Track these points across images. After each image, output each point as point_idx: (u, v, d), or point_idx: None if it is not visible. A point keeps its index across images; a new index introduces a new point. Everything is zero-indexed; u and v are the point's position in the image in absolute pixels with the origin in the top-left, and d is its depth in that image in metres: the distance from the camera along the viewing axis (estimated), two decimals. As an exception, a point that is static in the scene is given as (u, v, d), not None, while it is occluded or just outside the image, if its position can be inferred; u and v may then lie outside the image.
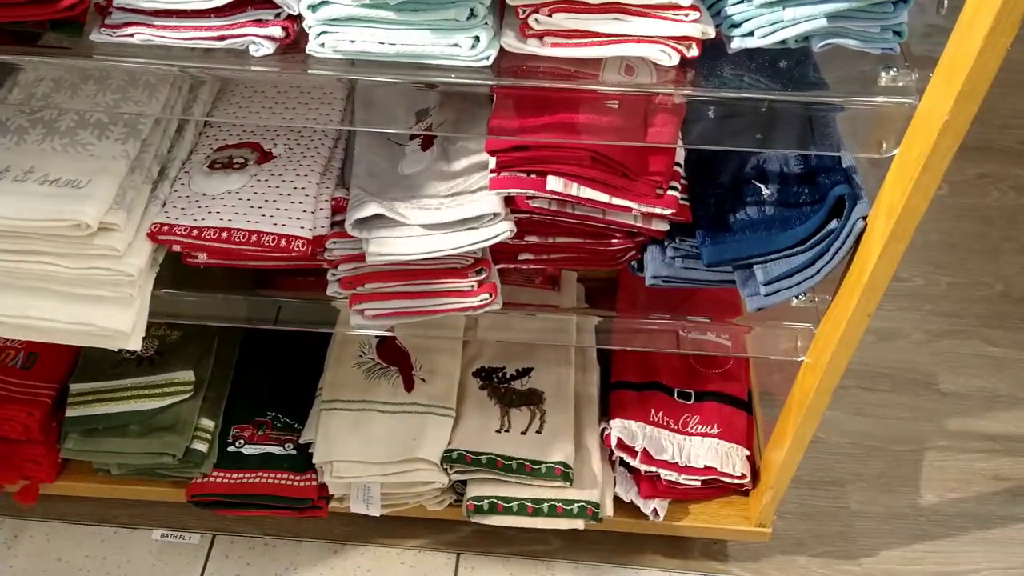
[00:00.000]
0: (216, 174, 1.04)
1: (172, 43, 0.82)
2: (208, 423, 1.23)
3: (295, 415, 1.29)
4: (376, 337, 1.31)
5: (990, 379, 1.64)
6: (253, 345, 1.35)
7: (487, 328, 1.30)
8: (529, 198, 0.95)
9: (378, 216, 0.97)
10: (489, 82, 0.83)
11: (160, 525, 1.37)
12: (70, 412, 1.19)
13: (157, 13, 0.81)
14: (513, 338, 1.31)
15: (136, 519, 1.38)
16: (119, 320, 0.99)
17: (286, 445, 1.26)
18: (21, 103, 0.99)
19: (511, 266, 1.08)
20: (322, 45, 0.81)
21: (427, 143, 1.06)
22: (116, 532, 1.36)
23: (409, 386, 1.26)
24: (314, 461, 1.21)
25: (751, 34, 0.81)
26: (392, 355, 1.29)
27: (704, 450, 1.22)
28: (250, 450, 1.26)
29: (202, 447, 1.21)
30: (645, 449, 1.20)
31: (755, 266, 0.97)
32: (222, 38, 0.82)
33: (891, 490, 1.47)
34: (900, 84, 0.82)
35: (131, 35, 0.82)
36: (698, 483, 1.22)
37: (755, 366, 1.35)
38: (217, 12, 0.81)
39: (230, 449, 1.26)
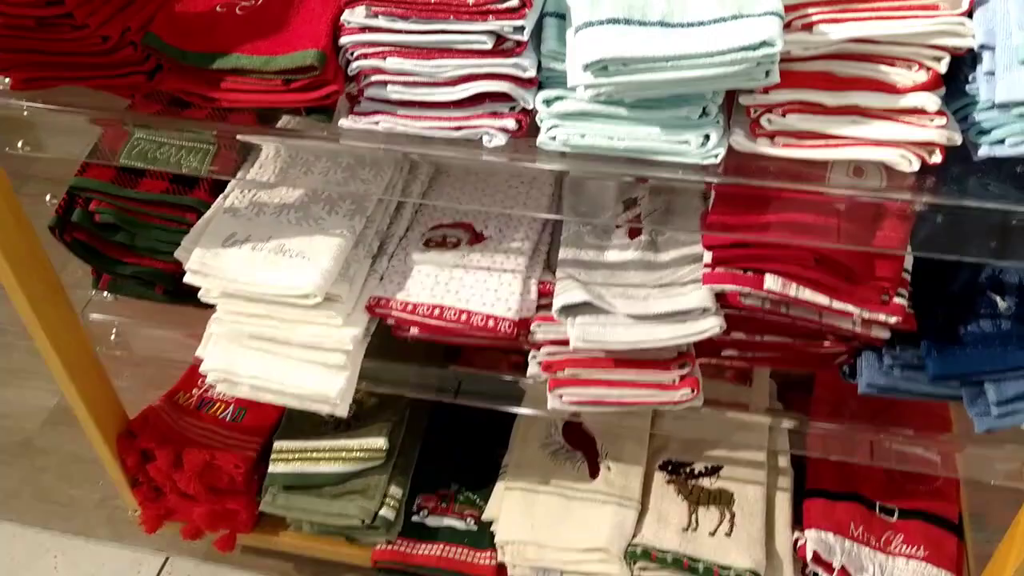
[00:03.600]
0: (431, 252, 1.08)
1: (413, 131, 0.86)
2: (397, 491, 1.25)
3: (478, 490, 1.30)
4: (564, 420, 1.31)
5: None
6: (442, 417, 1.38)
7: (675, 419, 1.28)
8: (743, 295, 0.93)
9: (585, 303, 0.97)
10: (716, 179, 0.83)
11: (341, 586, 1.41)
12: (273, 468, 1.25)
13: (402, 103, 0.85)
14: (702, 435, 1.28)
15: (319, 576, 1.42)
16: (331, 387, 1.04)
17: (468, 520, 1.27)
18: (262, 183, 1.07)
19: (713, 360, 1.06)
20: (553, 138, 0.83)
21: (634, 232, 1.06)
22: (298, 589, 1.41)
23: (594, 473, 1.24)
24: (497, 539, 1.21)
25: (1002, 142, 0.77)
26: (578, 439, 1.28)
27: (909, 573, 1.14)
28: (433, 522, 1.28)
29: (390, 514, 1.23)
30: (844, 567, 1.13)
31: (987, 383, 0.91)
32: (459, 128, 0.85)
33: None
34: None
35: (376, 123, 0.87)
36: (899, 609, 1.14)
37: (967, 485, 1.25)
38: (457, 104, 0.84)
39: (414, 519, 1.28)
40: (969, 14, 0.76)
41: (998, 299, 0.93)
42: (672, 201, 1.06)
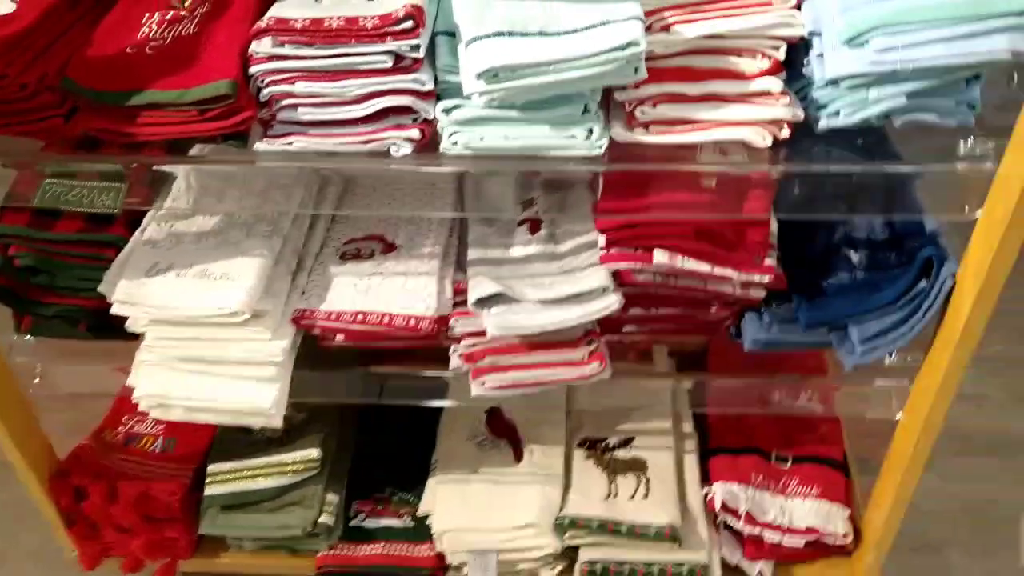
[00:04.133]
0: (347, 263, 1.15)
1: (325, 148, 0.94)
2: (333, 498, 1.31)
3: (411, 490, 1.36)
4: (485, 413, 1.39)
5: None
6: (370, 426, 1.44)
7: (589, 398, 1.39)
8: (636, 272, 1.04)
9: (496, 295, 1.06)
10: (602, 167, 0.93)
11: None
12: (209, 490, 1.29)
13: (313, 123, 0.93)
14: (615, 408, 1.39)
15: (262, 597, 1.45)
16: (265, 399, 1.09)
17: (404, 518, 1.34)
18: (178, 213, 1.12)
19: (616, 338, 1.16)
20: (455, 143, 0.92)
21: (534, 228, 1.16)
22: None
23: (519, 457, 1.33)
24: (434, 530, 1.28)
25: (837, 114, 0.90)
26: (501, 429, 1.37)
27: (806, 511, 1.27)
28: (371, 524, 1.34)
29: (329, 520, 1.29)
30: (748, 511, 1.25)
31: (850, 326, 1.04)
32: (368, 142, 0.93)
33: (990, 553, 1.48)
34: (978, 152, 0.90)
35: (290, 143, 0.94)
36: (801, 544, 1.26)
37: (847, 432, 1.40)
38: (364, 120, 0.92)
39: (352, 523, 1.34)
40: (798, 6, 0.90)
41: (852, 254, 1.07)
42: (565, 198, 1.16)
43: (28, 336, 1.19)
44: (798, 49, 0.91)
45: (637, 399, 1.40)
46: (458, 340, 1.12)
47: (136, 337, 1.14)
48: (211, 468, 1.31)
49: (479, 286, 1.07)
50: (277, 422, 1.11)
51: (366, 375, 1.24)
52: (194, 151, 1.03)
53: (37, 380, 1.22)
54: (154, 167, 1.04)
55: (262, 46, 0.90)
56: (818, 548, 1.29)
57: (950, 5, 0.81)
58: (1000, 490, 1.57)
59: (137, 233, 1.12)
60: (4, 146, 1.01)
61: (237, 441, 1.33)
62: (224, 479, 1.29)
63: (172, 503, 1.28)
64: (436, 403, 1.24)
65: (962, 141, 0.91)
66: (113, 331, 1.16)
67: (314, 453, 1.29)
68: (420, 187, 1.20)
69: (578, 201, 1.15)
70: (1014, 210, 0.84)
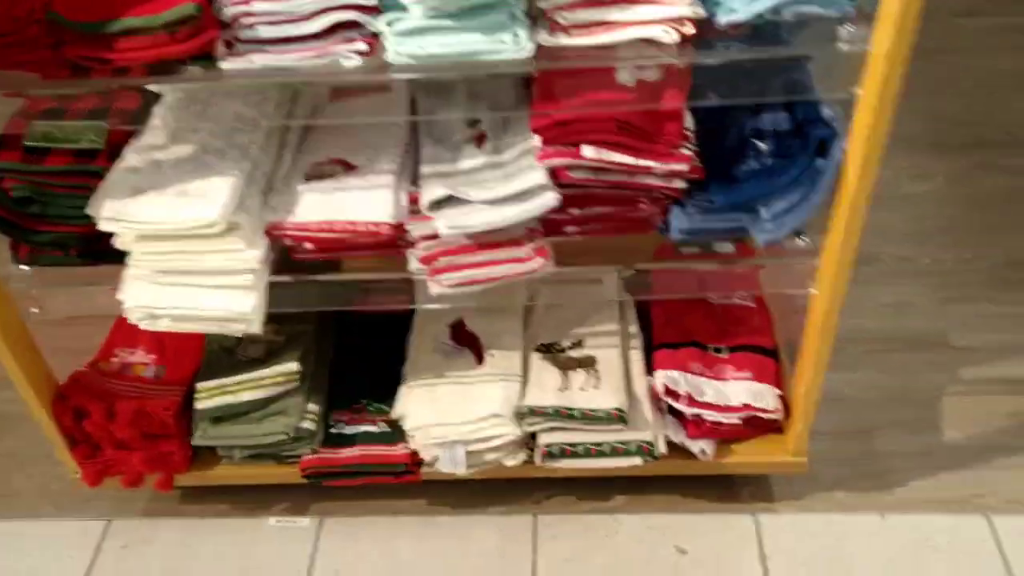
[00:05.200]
0: (311, 183, 1.27)
1: (284, 63, 1.06)
2: (314, 407, 1.43)
3: (385, 400, 1.48)
4: (449, 326, 1.52)
5: (999, 333, 1.80)
6: (345, 345, 1.57)
7: (544, 306, 1.52)
8: (569, 168, 1.17)
9: (448, 199, 1.19)
10: (532, 68, 1.06)
11: (275, 513, 1.57)
12: (198, 405, 1.41)
13: (271, 41, 1.05)
14: (567, 316, 1.52)
15: (255, 510, 1.57)
16: (245, 305, 1.21)
17: (380, 424, 1.46)
18: (156, 145, 1.24)
19: (558, 239, 1.29)
20: (398, 53, 1.05)
21: (480, 142, 1.29)
22: (239, 522, 1.56)
23: (480, 361, 1.46)
24: (407, 429, 1.41)
25: (734, 10, 1.03)
26: (464, 339, 1.50)
27: (740, 391, 1.41)
28: (349, 430, 1.46)
29: (311, 426, 1.41)
30: (688, 393, 1.38)
31: (760, 207, 1.18)
32: (321, 56, 1.06)
33: (917, 432, 1.63)
34: (860, 35, 1.03)
35: (252, 61, 1.06)
36: (738, 421, 1.40)
37: (778, 325, 1.54)
38: (316, 36, 1.05)
39: (332, 431, 1.46)
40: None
41: (760, 144, 1.20)
42: (508, 117, 1.29)
43: (25, 266, 1.30)
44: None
45: (589, 307, 1.53)
46: (414, 244, 1.24)
47: (122, 261, 1.27)
48: (199, 385, 1.42)
49: (430, 190, 1.19)
50: (256, 328, 1.23)
51: (337, 284, 1.35)
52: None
53: (36, 309, 1.33)
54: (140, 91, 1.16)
55: (222, -30, 1.02)
56: (753, 426, 1.43)
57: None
58: (922, 379, 1.72)
59: (116, 162, 1.24)
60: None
61: (222, 363, 1.45)
62: (212, 394, 1.41)
63: (166, 418, 1.39)
64: (404, 306, 1.36)
65: (843, 28, 1.04)
66: (101, 256, 1.29)
67: (293, 366, 1.41)
68: (375, 114, 1.33)
69: (519, 119, 1.28)
70: (883, 81, 0.98)
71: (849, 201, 1.09)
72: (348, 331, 1.58)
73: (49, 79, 1.09)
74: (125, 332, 1.55)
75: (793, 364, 1.49)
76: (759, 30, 1.08)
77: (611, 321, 1.51)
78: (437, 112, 1.33)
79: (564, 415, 1.36)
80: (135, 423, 1.39)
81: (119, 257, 1.25)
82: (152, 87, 1.31)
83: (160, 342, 1.53)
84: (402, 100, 1.34)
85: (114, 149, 1.25)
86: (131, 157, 1.24)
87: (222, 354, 1.47)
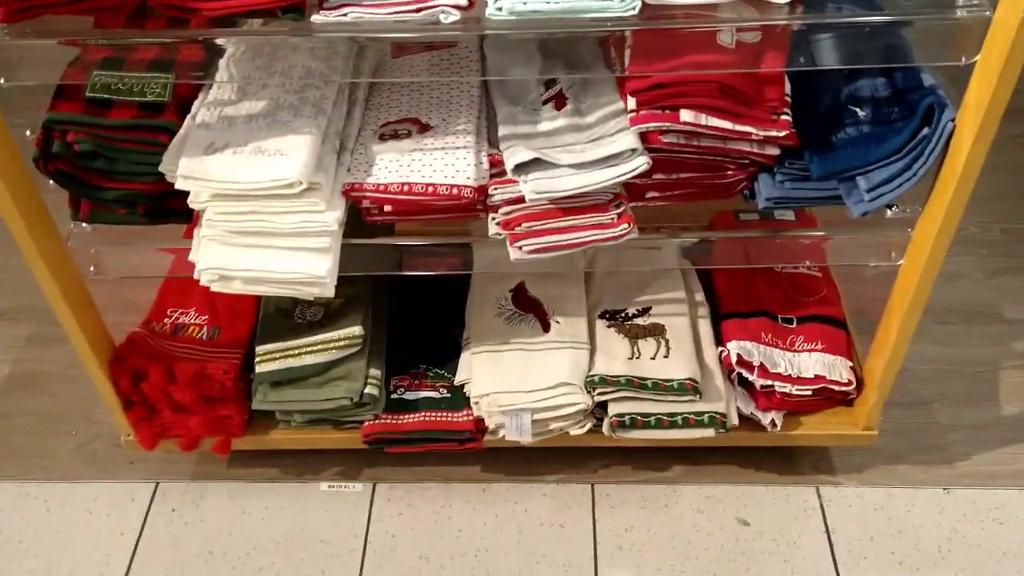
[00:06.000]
0: (387, 143, 1.22)
1: (379, 18, 1.01)
2: (376, 372, 1.40)
3: (445, 365, 1.46)
4: (509, 291, 1.48)
5: (1051, 306, 1.79)
6: (402, 308, 1.53)
7: (605, 271, 1.49)
8: (663, 133, 1.13)
9: (533, 162, 1.15)
10: (639, 25, 1.01)
11: (327, 478, 1.54)
12: (259, 368, 1.37)
13: (366, -5, 1.00)
14: (628, 282, 1.49)
15: (305, 475, 1.55)
16: (320, 267, 1.17)
17: (441, 391, 1.43)
18: (230, 90, 1.19)
19: (640, 204, 1.26)
20: (499, 8, 0.99)
21: (560, 104, 1.24)
22: (289, 487, 1.53)
23: (546, 328, 1.43)
24: (472, 396, 1.38)
25: (847, -28, 1.00)
26: (527, 304, 1.46)
27: (812, 363, 1.38)
28: (411, 396, 1.43)
29: (374, 391, 1.38)
30: (762, 364, 1.36)
31: (858, 177, 1.14)
32: (419, 10, 1.00)
33: (975, 405, 1.62)
34: (975, 1, 0.99)
35: (344, 15, 1.01)
36: (809, 393, 1.38)
37: (844, 290, 1.51)
38: (414, -11, 1.00)
39: (393, 397, 1.43)
40: None
41: (857, 110, 1.16)
42: (585, 78, 1.25)
43: (84, 224, 1.25)
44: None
45: (651, 273, 1.49)
46: (495, 208, 1.20)
47: (188, 220, 1.22)
48: (259, 348, 1.39)
49: (516, 154, 1.15)
50: (330, 291, 1.19)
51: (396, 248, 1.32)
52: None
53: (92, 268, 1.28)
54: (204, 43, 1.11)
55: (320, -81, 0.96)
56: (824, 398, 1.41)
57: None
58: (977, 352, 1.71)
59: (189, 118, 1.19)
60: (55, 26, 1.05)
61: (280, 325, 1.41)
62: (272, 357, 1.37)
63: (226, 381, 1.36)
64: (470, 272, 1.33)
65: (958, -7, 1.00)
66: (168, 214, 1.24)
67: (357, 330, 1.37)
68: (447, 73, 1.28)
69: (597, 79, 1.24)
70: (1011, 48, 0.94)
71: (958, 175, 1.06)
72: (403, 293, 1.54)
73: (107, 27, 1.04)
74: (175, 291, 1.51)
75: (858, 333, 1.48)
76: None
77: (676, 288, 1.48)
78: (509, 70, 1.28)
79: (637, 385, 1.33)
80: (194, 386, 1.35)
81: (186, 216, 1.21)
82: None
83: (212, 302, 1.49)
84: (472, 56, 1.29)
85: (181, 103, 1.20)
86: (202, 112, 1.19)
87: (279, 316, 1.43)
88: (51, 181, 1.19)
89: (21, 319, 1.83)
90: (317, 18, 1.01)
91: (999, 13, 0.96)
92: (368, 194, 1.17)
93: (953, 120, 1.06)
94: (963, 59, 1.03)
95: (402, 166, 1.19)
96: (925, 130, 1.10)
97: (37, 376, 1.72)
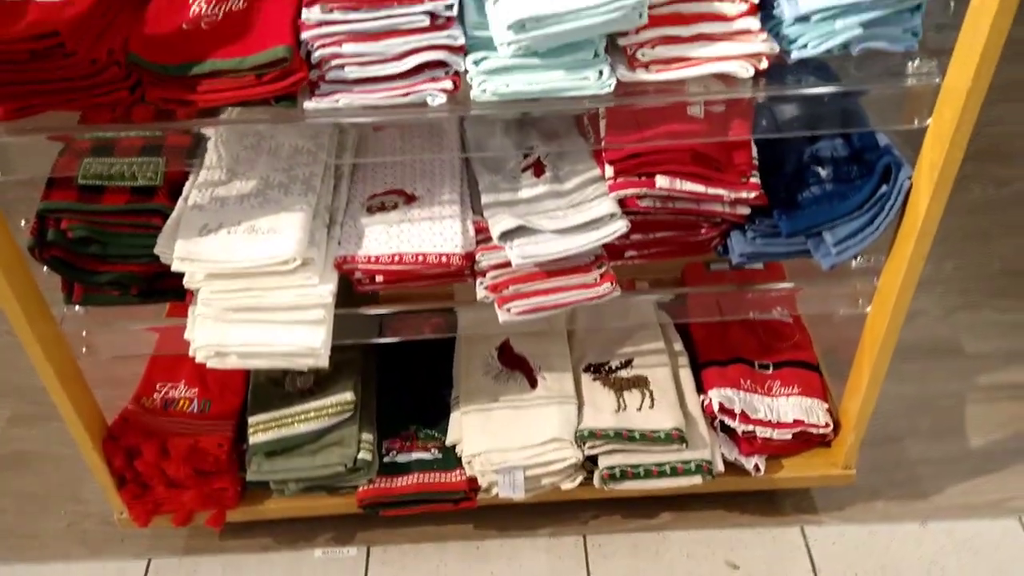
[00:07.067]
0: (375, 215, 1.27)
1: (369, 103, 1.06)
2: (368, 436, 1.43)
3: (435, 426, 1.49)
4: (496, 349, 1.52)
5: (1007, 340, 1.87)
6: (390, 370, 1.56)
7: (587, 326, 1.54)
8: (640, 197, 1.19)
9: (517, 228, 1.20)
10: (614, 102, 1.07)
11: (321, 544, 1.55)
12: (253, 439, 1.39)
13: (357, 81, 1.05)
14: (609, 335, 1.54)
15: (299, 543, 1.56)
16: (315, 339, 1.20)
17: (432, 451, 1.46)
18: (220, 171, 1.23)
19: (619, 263, 1.31)
20: (484, 91, 1.05)
21: (539, 172, 1.30)
22: (283, 555, 1.54)
23: (534, 384, 1.47)
24: (464, 455, 1.41)
25: (805, 46, 1.06)
26: (513, 361, 1.50)
27: (790, 407, 1.44)
28: (402, 458, 1.46)
29: (368, 456, 1.40)
30: (743, 410, 1.41)
31: (824, 232, 1.21)
32: (407, 94, 1.06)
33: (944, 439, 1.68)
34: (924, 69, 1.07)
35: (336, 101, 1.06)
36: (789, 436, 1.43)
37: (816, 335, 1.58)
38: (403, 75, 1.05)
39: (385, 460, 1.46)
40: (767, -43, 1.06)
41: (819, 170, 1.24)
42: (561, 144, 1.31)
43: (77, 307, 1.27)
44: (769, -6, 1.07)
45: (630, 326, 1.55)
46: (482, 273, 1.25)
47: (180, 299, 1.25)
48: (252, 419, 1.40)
49: (501, 222, 1.20)
50: (324, 362, 1.22)
51: (385, 316, 1.35)
52: (224, 115, 1.13)
53: (85, 349, 1.30)
54: (194, 131, 1.16)
55: (312, 13, 1.01)
56: (802, 441, 1.47)
57: (899, -55, 0.97)
58: (942, 387, 1.78)
59: (181, 200, 1.22)
60: (44, 122, 1.08)
61: (272, 395, 1.43)
62: (266, 427, 1.39)
63: (220, 454, 1.37)
64: (454, 335, 1.38)
65: (910, 62, 1.08)
66: (161, 293, 1.27)
67: (348, 396, 1.40)
68: (428, 146, 1.33)
69: (573, 146, 1.30)
70: (961, 112, 1.02)
71: (918, 229, 1.13)
72: (390, 355, 1.57)
73: (94, 122, 1.08)
74: (163, 365, 1.52)
75: (830, 375, 1.54)
76: (817, 70, 1.11)
77: (656, 339, 1.54)
78: (488, 141, 1.34)
79: (625, 437, 1.38)
80: (189, 460, 1.36)
81: (179, 294, 1.24)
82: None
83: (201, 375, 1.51)
84: (451, 129, 1.34)
85: (172, 184, 1.23)
86: (194, 194, 1.22)
87: (270, 386, 1.45)
88: (45, 268, 1.21)
89: (1, 399, 1.82)
90: (309, 105, 1.06)
91: (947, 81, 1.04)
92: (360, 266, 1.21)
93: (910, 178, 1.14)
94: (916, 122, 1.10)
95: (391, 237, 1.23)
96: (884, 187, 1.17)
97: (22, 455, 1.71)
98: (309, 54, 1.03)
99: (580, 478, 1.42)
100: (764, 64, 1.07)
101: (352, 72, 1.04)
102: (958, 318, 1.94)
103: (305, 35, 1.02)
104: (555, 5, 0.98)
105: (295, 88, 1.03)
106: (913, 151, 1.15)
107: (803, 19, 1.05)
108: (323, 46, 1.02)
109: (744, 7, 1.06)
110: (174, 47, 1.02)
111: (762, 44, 1.06)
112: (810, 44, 1.06)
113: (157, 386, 1.49)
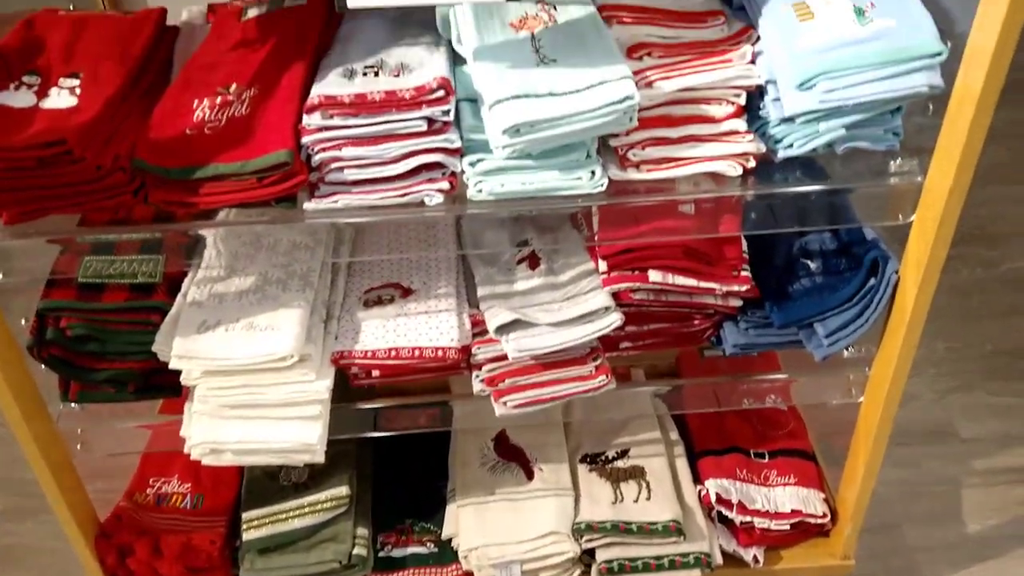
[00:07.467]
0: (372, 309, 1.28)
1: (368, 203, 1.08)
2: (363, 531, 1.41)
3: (431, 519, 1.48)
4: (491, 440, 1.52)
5: (1001, 422, 1.88)
6: (383, 460, 1.55)
7: (584, 416, 1.54)
8: (634, 291, 1.21)
9: (513, 322, 1.21)
10: (604, 202, 1.10)
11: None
12: (247, 536, 1.37)
13: (356, 183, 1.07)
14: (605, 425, 1.55)
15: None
16: (311, 435, 1.20)
17: (428, 545, 1.45)
18: (219, 267, 1.25)
19: (614, 354, 1.32)
20: (480, 191, 1.08)
21: (534, 264, 1.32)
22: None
23: (530, 476, 1.47)
24: (460, 550, 1.39)
25: (791, 146, 1.10)
26: (509, 453, 1.50)
27: (788, 497, 1.44)
28: (398, 553, 1.44)
29: (363, 552, 1.39)
30: (740, 501, 1.41)
31: (815, 324, 1.23)
32: (405, 195, 1.08)
33: (940, 524, 1.68)
34: (906, 168, 1.10)
35: (335, 201, 1.08)
36: (787, 527, 1.42)
37: (810, 424, 1.58)
38: (400, 177, 1.07)
39: (380, 555, 1.44)
40: (753, 61, 1.10)
41: (809, 263, 1.26)
42: (556, 238, 1.33)
43: (73, 404, 1.27)
44: (754, 96, 1.11)
45: (626, 416, 1.55)
46: (479, 366, 1.26)
47: (177, 395, 1.25)
48: (246, 515, 1.39)
49: (497, 316, 1.21)
50: (320, 457, 1.22)
51: (379, 410, 1.36)
52: (220, 216, 1.15)
53: (79, 446, 1.30)
54: (191, 232, 1.18)
55: (313, 119, 1.04)
56: (800, 531, 1.46)
57: (878, 52, 1.01)
58: (937, 471, 1.78)
59: (180, 297, 1.23)
60: (45, 225, 1.10)
61: (267, 489, 1.42)
62: (260, 523, 1.38)
63: (212, 552, 1.36)
64: (451, 428, 1.38)
65: (892, 161, 1.12)
66: (157, 390, 1.27)
67: (344, 490, 1.39)
68: (423, 241, 1.35)
69: (567, 239, 1.32)
70: (943, 211, 1.04)
71: (907, 321, 1.15)
72: (384, 447, 1.57)
73: (95, 221, 1.11)
74: (157, 459, 1.52)
75: (826, 463, 1.54)
76: (802, 166, 1.15)
77: (652, 429, 1.54)
78: (483, 234, 1.36)
79: (623, 530, 1.37)
80: (181, 559, 1.35)
81: (175, 391, 1.24)
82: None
83: (195, 469, 1.50)
84: (448, 223, 1.37)
85: (171, 281, 1.25)
86: (192, 291, 1.23)
87: (265, 480, 1.44)
88: (43, 366, 1.21)
89: (-8, 493, 1.80)
90: (309, 206, 1.08)
91: (929, 180, 1.07)
92: (357, 361, 1.22)
93: (897, 272, 1.16)
94: (900, 218, 1.13)
95: (388, 331, 1.25)
96: (872, 280, 1.19)
97: (14, 550, 1.68)
98: (309, 157, 1.06)
99: (578, 572, 1.41)
100: (751, 163, 1.10)
101: (351, 174, 1.06)
102: (951, 401, 1.95)
103: (306, 139, 1.05)
104: (548, 110, 1.01)
105: (295, 190, 1.06)
106: (900, 244, 1.18)
107: (788, 120, 1.08)
108: (323, 150, 1.05)
109: (731, 109, 1.10)
110: (177, 151, 1.05)
111: (749, 144, 1.09)
112: (796, 144, 1.09)
113: (150, 481, 1.48)
